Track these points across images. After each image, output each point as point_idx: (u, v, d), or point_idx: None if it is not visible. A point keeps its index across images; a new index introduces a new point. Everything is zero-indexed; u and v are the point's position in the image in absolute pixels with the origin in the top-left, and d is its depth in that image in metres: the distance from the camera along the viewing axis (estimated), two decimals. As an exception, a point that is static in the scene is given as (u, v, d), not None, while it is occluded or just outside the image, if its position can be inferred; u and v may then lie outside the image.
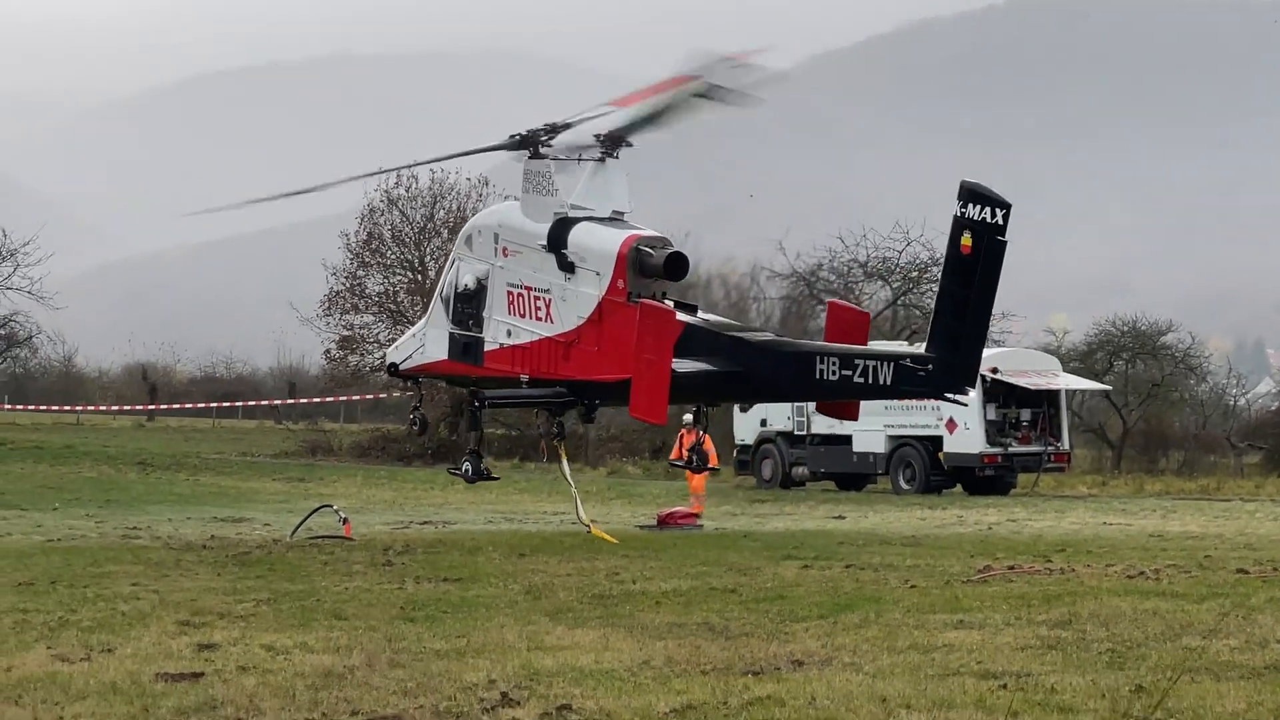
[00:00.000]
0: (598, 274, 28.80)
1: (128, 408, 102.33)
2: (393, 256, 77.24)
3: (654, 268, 28.44)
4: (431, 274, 70.04)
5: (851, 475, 56.36)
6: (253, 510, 41.66)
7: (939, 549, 28.18)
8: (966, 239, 25.45)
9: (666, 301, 28.62)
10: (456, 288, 31.14)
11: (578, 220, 29.40)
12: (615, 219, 29.54)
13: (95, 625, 17.91)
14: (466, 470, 31.14)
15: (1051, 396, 54.34)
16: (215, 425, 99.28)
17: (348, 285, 77.03)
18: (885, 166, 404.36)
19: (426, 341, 32.07)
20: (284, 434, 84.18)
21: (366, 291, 77.09)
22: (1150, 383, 74.74)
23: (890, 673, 14.48)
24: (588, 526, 31.93)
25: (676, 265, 28.57)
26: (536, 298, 29.79)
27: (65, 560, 25.67)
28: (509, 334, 30.23)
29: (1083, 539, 31.34)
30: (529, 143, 29.96)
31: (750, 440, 58.21)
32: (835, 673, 14.51)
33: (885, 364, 26.62)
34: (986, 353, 53.95)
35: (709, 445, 33.77)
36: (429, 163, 32.19)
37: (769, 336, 29.99)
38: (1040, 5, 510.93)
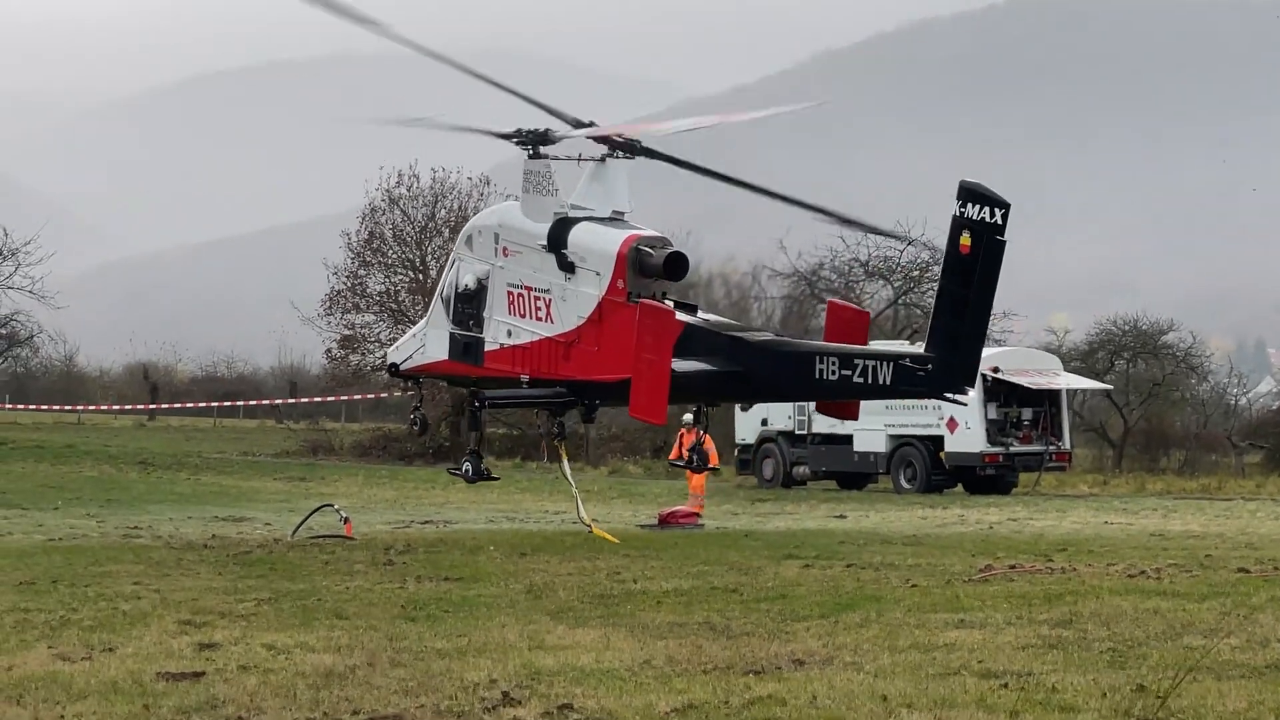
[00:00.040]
0: (598, 274, 28.79)
1: (129, 407, 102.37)
2: (394, 256, 77.26)
3: (654, 267, 28.43)
4: (433, 273, 70.06)
5: (853, 474, 56.36)
6: (254, 510, 41.67)
7: (940, 548, 28.18)
8: (965, 239, 25.43)
9: (667, 301, 28.61)
10: (457, 288, 31.13)
11: (578, 220, 29.39)
12: (615, 219, 29.53)
13: (96, 624, 17.91)
14: (467, 470, 31.13)
15: (1053, 396, 54.35)
16: (216, 424, 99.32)
17: (349, 284, 77.06)
18: (886, 165, 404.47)
19: (427, 342, 32.06)
20: (285, 433, 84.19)
21: (368, 291, 77.12)
22: (1151, 382, 74.73)
23: (891, 672, 14.48)
24: (589, 526, 31.94)
25: (676, 265, 28.56)
26: (537, 298, 29.78)
27: (66, 559, 25.68)
28: (509, 334, 30.22)
29: (1084, 538, 31.34)
30: (532, 140, 29.87)
31: (751, 440, 58.22)
32: (836, 672, 14.51)
33: (885, 364, 26.61)
34: (988, 352, 54.22)
35: (709, 445, 33.77)
36: (436, 125, 31.81)
37: (769, 336, 29.98)
38: (1041, 5, 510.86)
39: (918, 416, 52.28)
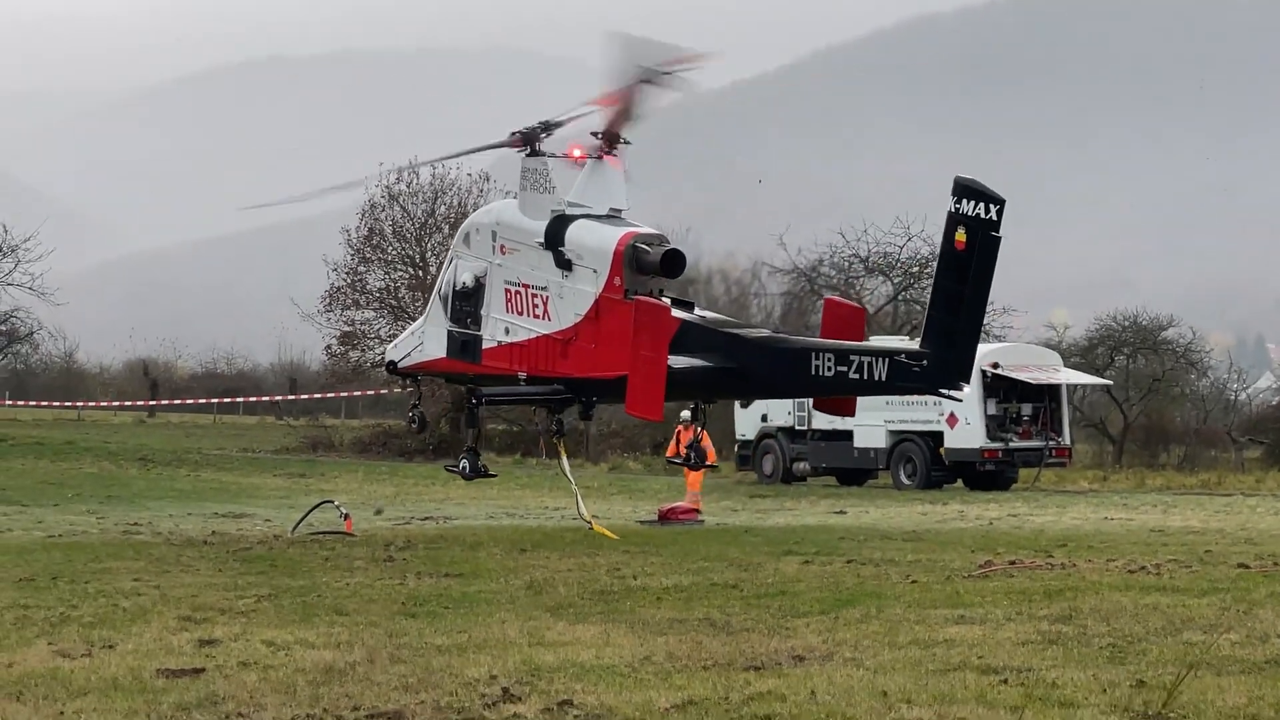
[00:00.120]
0: (595, 271, 28.80)
1: (129, 403, 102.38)
2: (394, 252, 77.27)
3: (651, 265, 28.44)
4: (433, 269, 70.05)
5: (852, 470, 56.33)
6: (254, 506, 41.68)
7: (940, 544, 28.19)
8: (961, 234, 25.43)
9: (664, 299, 28.62)
10: (455, 286, 31.15)
11: (575, 218, 29.41)
12: (613, 216, 29.54)
13: (96, 621, 17.92)
14: (464, 467, 31.17)
15: (1053, 391, 54.31)
16: (216, 421, 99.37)
17: (349, 281, 77.09)
18: (886, 161, 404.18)
19: (425, 339, 32.08)
20: (285, 430, 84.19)
21: (368, 287, 77.15)
22: (1151, 378, 74.67)
23: (891, 668, 14.48)
24: (589, 522, 31.95)
25: (673, 262, 28.57)
26: (534, 295, 29.79)
27: (66, 556, 25.69)
28: (507, 332, 30.23)
29: (1084, 534, 31.35)
30: (528, 140, 29.95)
31: (751, 436, 58.19)
32: (836, 668, 14.51)
33: (880, 360, 26.63)
34: (988, 348, 54.42)
35: (707, 442, 33.77)
36: (432, 162, 32.16)
37: (765, 333, 29.99)
38: (1041, 2, 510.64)
39: (918, 412, 52.27)
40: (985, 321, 71.97)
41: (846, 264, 75.54)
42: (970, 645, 15.68)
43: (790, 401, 54.26)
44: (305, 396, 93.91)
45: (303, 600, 19.89)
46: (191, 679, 14.19)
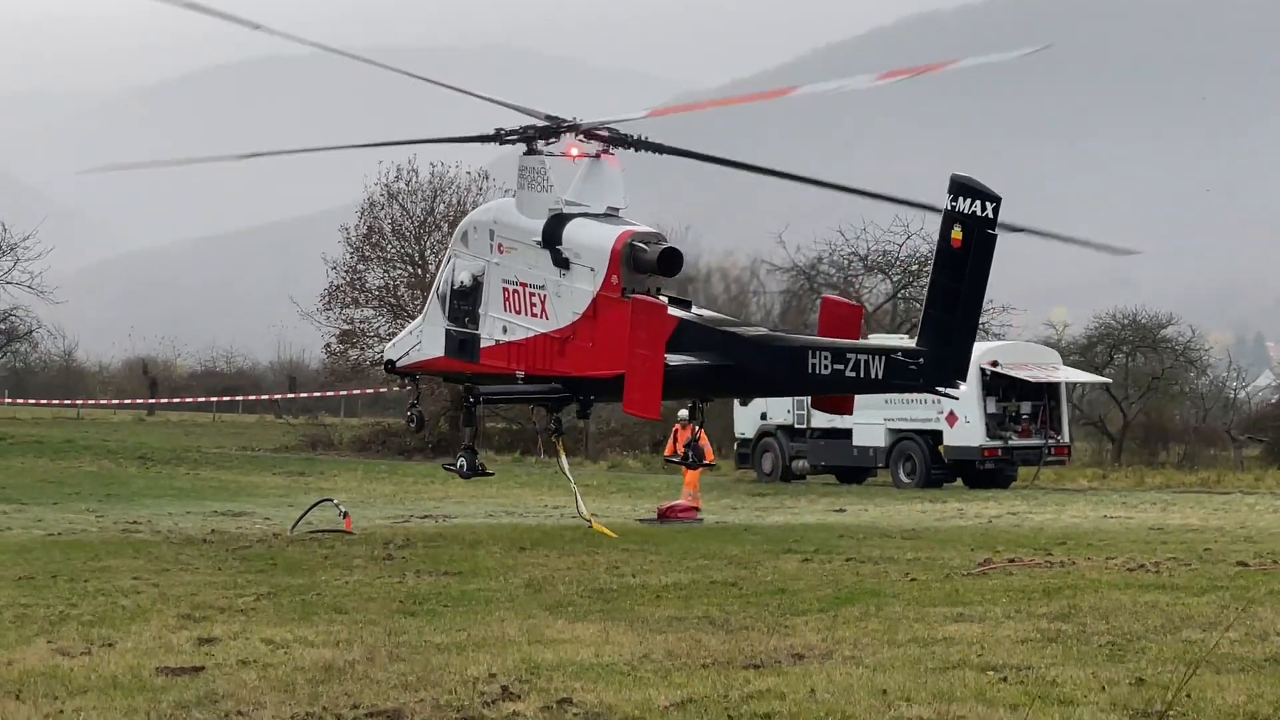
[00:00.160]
0: (592, 270, 28.80)
1: (128, 402, 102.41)
2: (393, 250, 77.30)
3: (648, 263, 28.45)
4: (432, 268, 70.08)
5: (852, 469, 56.33)
6: (253, 504, 41.68)
7: (939, 542, 28.19)
8: (957, 232, 25.41)
9: (661, 297, 28.63)
10: (453, 285, 31.15)
11: (572, 216, 29.40)
12: (610, 215, 29.53)
13: (95, 619, 17.92)
14: (461, 466, 31.20)
15: (1052, 390, 54.31)
16: (215, 419, 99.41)
17: (348, 279, 77.12)
18: (886, 160, 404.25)
19: (423, 339, 32.08)
20: (284, 428, 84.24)
21: (367, 285, 77.18)
22: (1150, 376, 74.69)
23: (890, 666, 14.48)
24: (588, 521, 31.96)
25: (670, 261, 28.57)
26: (532, 294, 29.79)
27: (65, 554, 25.68)
28: (505, 330, 30.23)
29: (1083, 532, 31.35)
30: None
31: (750, 434, 58.19)
32: (836, 666, 14.51)
33: (877, 358, 26.63)
34: (987, 346, 54.43)
35: (704, 441, 33.77)
36: (444, 141, 31.92)
37: (762, 331, 29.98)
38: (1042, 0, 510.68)
39: (917, 411, 52.28)
40: (984, 320, 72.11)
41: (846, 262, 75.58)
42: (969, 643, 15.68)
43: (789, 400, 54.25)
44: (304, 395, 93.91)
45: (302, 598, 19.90)
46: (191, 677, 14.19)
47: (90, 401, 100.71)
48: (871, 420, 52.19)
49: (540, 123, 29.55)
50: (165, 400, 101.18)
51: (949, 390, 26.93)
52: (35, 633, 16.97)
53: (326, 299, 77.41)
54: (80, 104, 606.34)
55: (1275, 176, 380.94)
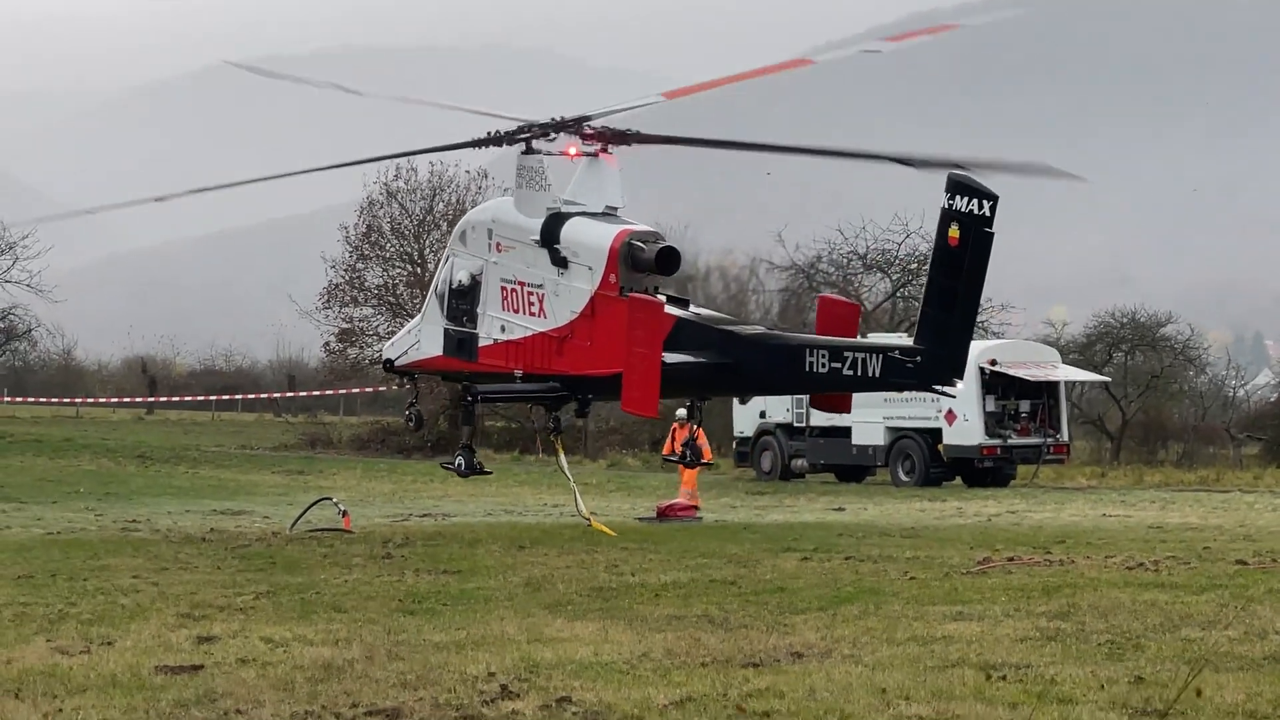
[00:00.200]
0: (590, 269, 28.80)
1: (127, 400, 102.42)
2: (392, 249, 77.33)
3: (646, 262, 28.45)
4: (431, 267, 70.10)
5: (851, 467, 56.34)
6: (252, 503, 41.69)
7: (938, 541, 28.20)
8: (954, 231, 25.43)
9: (659, 296, 28.64)
10: (451, 284, 31.16)
11: (570, 215, 29.40)
12: (608, 214, 29.53)
13: (95, 618, 17.92)
14: (459, 464, 31.24)
15: (1051, 388, 54.31)
16: (214, 418, 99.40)
17: (347, 278, 77.16)
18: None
19: (422, 338, 32.10)
20: (283, 427, 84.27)
21: (366, 284, 77.22)
22: (1149, 374, 74.70)
23: (889, 664, 14.48)
24: (587, 519, 31.96)
25: (668, 259, 28.57)
26: (530, 293, 29.80)
27: (65, 553, 25.68)
28: (503, 329, 30.23)
29: (1082, 530, 31.35)
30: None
31: (749, 432, 58.18)
32: (835, 664, 14.51)
33: (874, 356, 26.65)
34: (986, 345, 54.43)
35: (702, 440, 33.78)
36: (445, 149, 32.00)
37: (760, 330, 29.99)
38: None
39: (916, 409, 52.28)
40: (983, 318, 72.10)
41: (845, 261, 75.60)
42: (969, 642, 15.68)
43: (789, 398, 54.28)
44: (304, 394, 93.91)
45: (301, 597, 19.89)
46: (190, 676, 14.18)
47: (89, 400, 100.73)
48: (871, 419, 52.20)
49: (539, 121, 29.55)
50: (164, 399, 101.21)
51: (946, 389, 26.95)
52: (34, 631, 16.97)
53: (325, 297, 77.45)
54: (80, 103, 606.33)
55: (1274, 175, 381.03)
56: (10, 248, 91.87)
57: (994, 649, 15.25)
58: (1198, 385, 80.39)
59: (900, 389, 31.35)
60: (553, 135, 29.69)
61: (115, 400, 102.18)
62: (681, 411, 36.11)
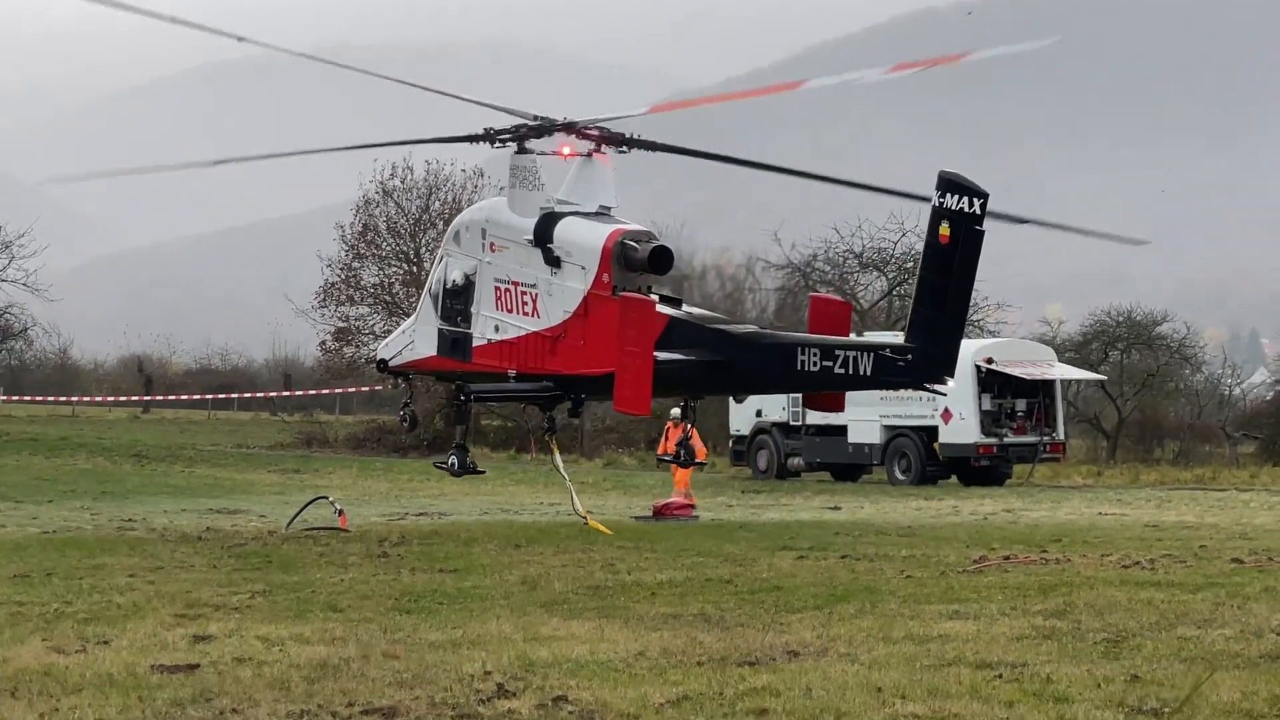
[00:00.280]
0: (583, 268, 28.82)
1: (123, 399, 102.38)
2: (388, 248, 77.35)
3: (639, 262, 28.48)
4: (427, 265, 70.11)
5: (847, 466, 56.35)
6: (248, 502, 41.67)
7: (934, 539, 28.20)
8: (944, 229, 25.46)
9: (652, 295, 28.67)
10: (445, 284, 31.18)
11: (564, 215, 29.42)
12: (602, 214, 29.55)
13: (91, 617, 17.90)
14: (452, 464, 31.27)
15: (1047, 387, 54.34)
16: (210, 417, 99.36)
17: (343, 277, 77.18)
18: (881, 157, 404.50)
19: (416, 338, 32.12)
20: (279, 426, 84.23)
21: (362, 283, 77.23)
22: (1145, 373, 74.74)
23: (886, 663, 14.48)
24: (584, 518, 31.96)
25: (661, 259, 28.60)
26: (523, 293, 29.81)
27: (60, 552, 25.66)
28: (497, 329, 30.25)
29: (1078, 529, 31.37)
30: (541, 131, 29.82)
31: (746, 431, 58.18)
32: (831, 663, 14.51)
33: (865, 354, 26.70)
34: (982, 343, 54.46)
35: (696, 440, 33.81)
36: (437, 140, 31.91)
37: (752, 329, 30.02)
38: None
39: (912, 408, 52.30)
40: (979, 317, 71.98)
41: (841, 259, 75.62)
42: (965, 640, 15.69)
43: (785, 397, 54.30)
44: (300, 393, 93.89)
45: (297, 596, 19.89)
46: (186, 675, 14.17)
47: (85, 399, 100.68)
48: (866, 417, 52.23)
49: (531, 121, 29.55)
50: (160, 398, 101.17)
51: (937, 387, 26.99)
52: (30, 630, 16.95)
53: (321, 296, 77.45)
54: (78, 102, 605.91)
55: (1271, 174, 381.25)
56: (6, 246, 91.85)
57: (990, 648, 15.25)
58: (1194, 384, 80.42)
59: (892, 387, 31.37)
60: (543, 135, 29.71)
61: (111, 399, 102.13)
62: (675, 411, 36.10)
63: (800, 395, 49.55)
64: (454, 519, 35.40)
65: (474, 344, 30.63)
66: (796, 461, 56.90)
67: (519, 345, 29.88)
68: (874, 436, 54.08)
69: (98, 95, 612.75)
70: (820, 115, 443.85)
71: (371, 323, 76.38)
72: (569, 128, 29.49)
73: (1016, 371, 52.89)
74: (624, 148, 29.65)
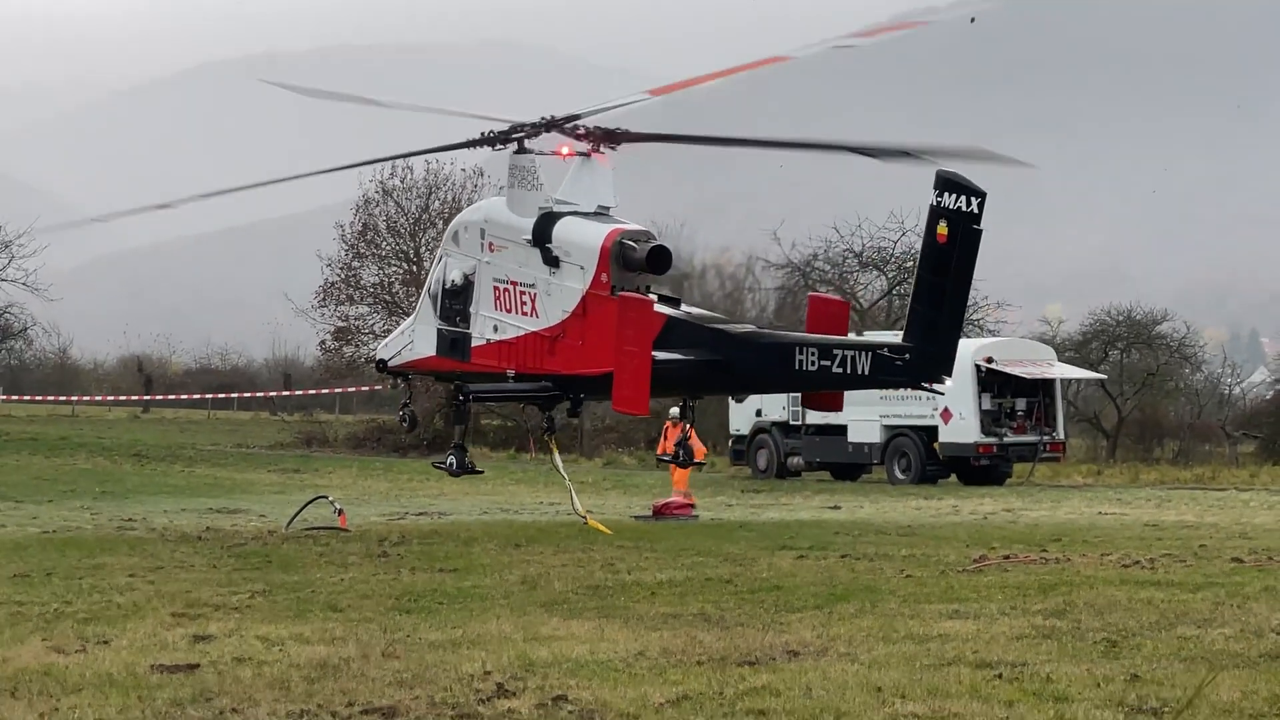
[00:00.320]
0: (581, 268, 28.83)
1: (123, 399, 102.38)
2: (388, 247, 77.35)
3: (637, 261, 28.49)
4: (426, 265, 70.12)
5: (847, 465, 56.34)
6: (248, 502, 41.66)
7: (934, 539, 28.20)
8: (942, 228, 25.48)
9: (650, 295, 28.67)
10: (444, 284, 31.19)
11: (562, 215, 29.43)
12: (600, 214, 29.56)
13: (90, 617, 17.90)
14: (450, 464, 31.29)
15: (1047, 386, 54.34)
16: (210, 417, 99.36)
17: (343, 276, 77.16)
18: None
19: (415, 338, 32.13)
20: (279, 425, 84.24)
21: (361, 282, 77.22)
22: (1145, 372, 74.74)
23: (885, 662, 14.47)
24: (583, 518, 31.96)
25: (659, 258, 28.61)
26: (522, 293, 29.82)
27: (60, 552, 25.66)
28: (495, 329, 30.25)
29: (1078, 528, 31.37)
30: (553, 126, 29.81)
31: (745, 430, 58.18)
32: (831, 663, 14.51)
33: (863, 354, 26.71)
34: (982, 343, 54.46)
35: (695, 440, 33.82)
36: (434, 150, 32.00)
37: (750, 328, 30.04)
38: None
39: (912, 407, 52.30)
40: (979, 316, 71.91)
41: (841, 259, 75.61)
42: (964, 640, 15.68)
43: (784, 396, 54.29)
44: (300, 392, 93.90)
45: (297, 596, 19.88)
46: (186, 675, 14.17)
47: (85, 399, 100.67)
48: (866, 417, 52.23)
49: (528, 121, 29.55)
50: (160, 397, 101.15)
51: (935, 386, 27.01)
52: (30, 630, 16.95)
53: (321, 296, 77.44)
54: (78, 101, 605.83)
55: (1271, 173, 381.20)
56: (6, 246, 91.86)
57: (990, 647, 15.25)
58: (1194, 383, 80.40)
59: (890, 386, 31.38)
60: (544, 135, 29.70)
61: (111, 399, 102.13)
62: (674, 410, 36.11)
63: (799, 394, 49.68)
64: (454, 519, 35.40)
65: (473, 344, 30.64)
66: (796, 461, 56.89)
67: (518, 345, 29.88)
68: (874, 436, 54.07)
69: (98, 95, 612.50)
70: (818, 113, 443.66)
71: (371, 322, 76.39)
72: (571, 121, 29.47)
73: (1016, 371, 52.88)
74: (614, 145, 29.64)
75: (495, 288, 30.26)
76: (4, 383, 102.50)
